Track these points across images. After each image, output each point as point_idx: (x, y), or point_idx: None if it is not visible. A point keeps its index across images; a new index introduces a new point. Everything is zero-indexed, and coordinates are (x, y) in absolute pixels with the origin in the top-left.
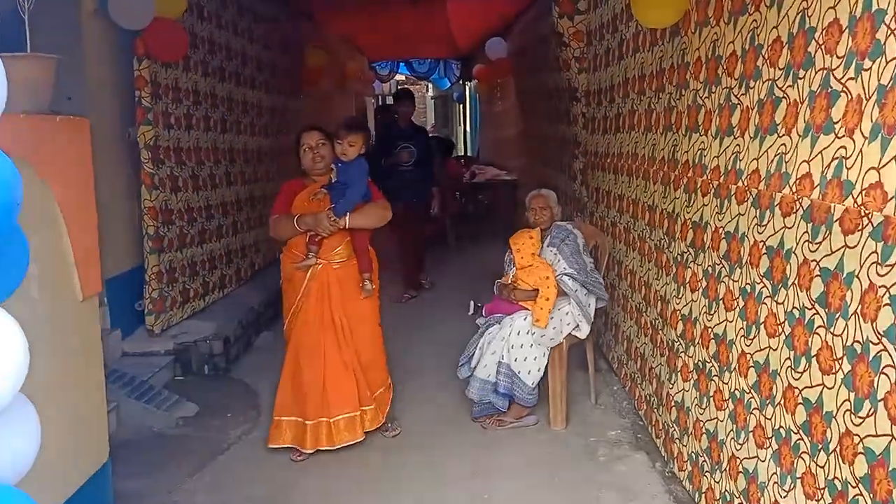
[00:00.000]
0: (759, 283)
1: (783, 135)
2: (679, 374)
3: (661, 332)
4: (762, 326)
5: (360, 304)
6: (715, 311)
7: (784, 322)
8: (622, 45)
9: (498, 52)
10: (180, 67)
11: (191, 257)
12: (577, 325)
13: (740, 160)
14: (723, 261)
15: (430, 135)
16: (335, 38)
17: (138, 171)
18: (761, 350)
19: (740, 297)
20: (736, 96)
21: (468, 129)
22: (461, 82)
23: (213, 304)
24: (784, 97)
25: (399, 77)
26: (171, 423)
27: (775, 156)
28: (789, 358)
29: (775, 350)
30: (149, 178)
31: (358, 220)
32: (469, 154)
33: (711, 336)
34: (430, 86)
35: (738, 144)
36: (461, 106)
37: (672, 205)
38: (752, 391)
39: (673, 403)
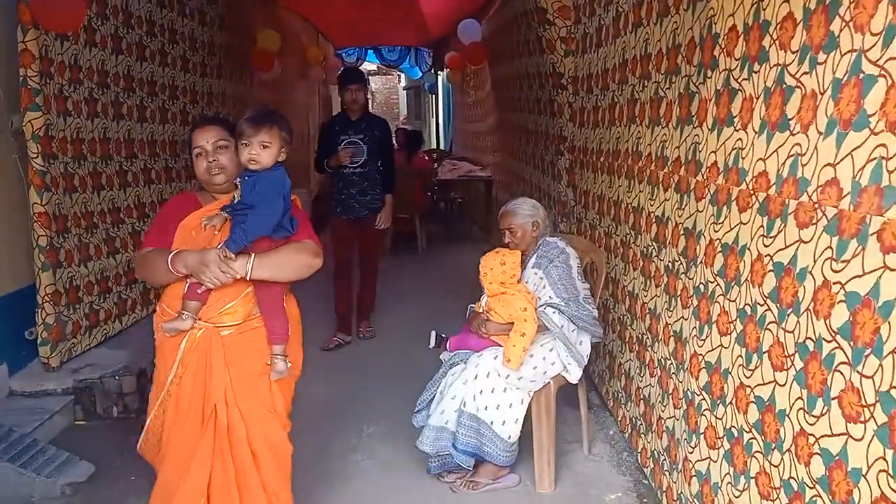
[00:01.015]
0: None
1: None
2: (703, 436)
3: (674, 377)
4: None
5: (261, 393)
6: (757, 368)
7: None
8: (619, 20)
9: (471, 36)
10: (82, 41)
11: (100, 271)
12: (566, 367)
13: (802, 164)
14: (769, 301)
15: (400, 126)
16: (295, 19)
17: (25, 169)
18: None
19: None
20: (794, 77)
21: (440, 121)
22: (433, 71)
23: (133, 326)
24: None
25: (368, 66)
26: (55, 491)
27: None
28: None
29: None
30: (38, 176)
31: (264, 268)
32: (441, 148)
33: (752, 398)
34: (403, 75)
35: (797, 144)
36: (433, 97)
37: (691, 219)
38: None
39: (693, 472)
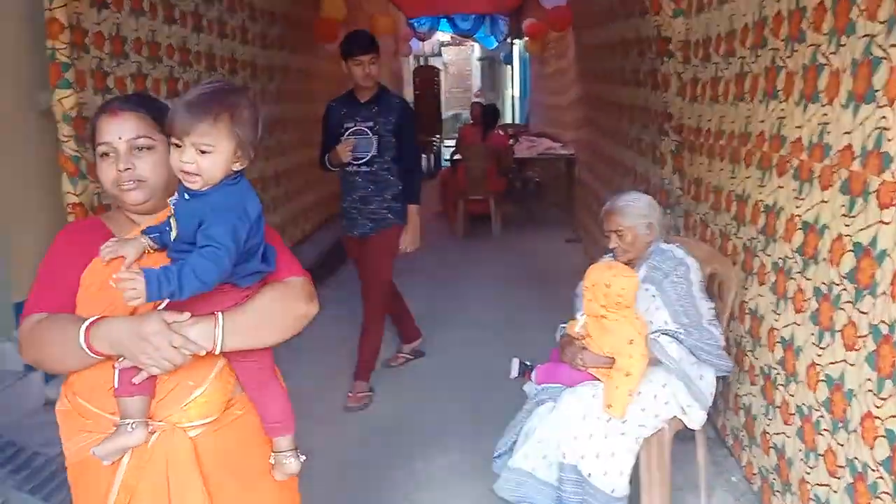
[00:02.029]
0: None
1: None
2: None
3: (834, 437)
4: None
5: None
6: None
7: None
8: None
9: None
10: (126, 10)
11: None
12: (684, 409)
13: None
14: None
15: (474, 100)
16: None
17: (58, 154)
18: None
19: None
20: None
21: (516, 94)
22: (509, 40)
23: None
24: None
25: (441, 36)
26: None
27: None
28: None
29: None
30: (71, 163)
31: (239, 332)
32: (517, 123)
33: None
34: (476, 46)
35: None
36: (509, 67)
37: (849, 224)
38: None
39: None
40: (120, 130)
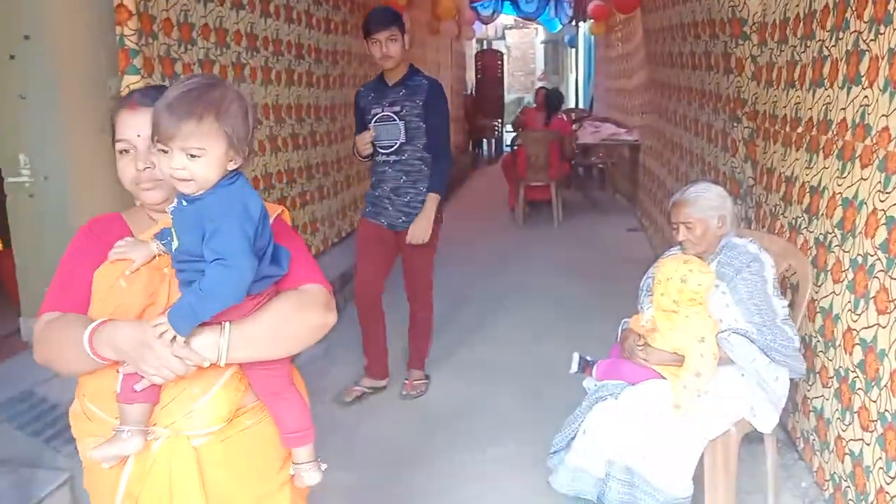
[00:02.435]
0: None
1: None
2: None
3: None
4: None
5: None
6: None
7: None
8: None
9: None
10: None
11: None
12: (753, 410)
13: None
14: None
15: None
16: None
17: None
18: None
19: None
20: None
21: (580, 78)
22: (574, 23)
23: None
24: None
25: (504, 19)
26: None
27: None
28: None
29: None
30: None
31: (248, 345)
32: (580, 107)
33: None
34: (540, 29)
35: None
36: (573, 51)
37: None
38: None
39: None
40: (138, 127)
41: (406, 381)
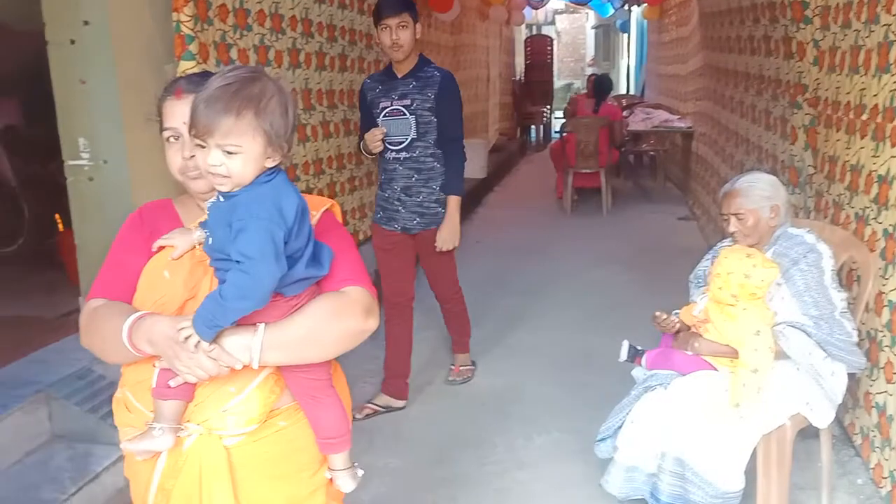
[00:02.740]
0: None
1: None
2: None
3: None
4: None
5: None
6: None
7: None
8: None
9: None
10: None
11: None
12: (809, 404)
13: None
14: None
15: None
16: None
17: None
18: None
19: None
20: None
21: (631, 63)
22: (626, 7)
23: None
24: None
25: (555, 4)
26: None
27: None
28: None
29: None
30: None
31: (282, 348)
32: (631, 93)
33: None
34: (591, 13)
35: None
36: (625, 36)
37: None
38: None
39: None
40: (185, 114)
41: (452, 367)
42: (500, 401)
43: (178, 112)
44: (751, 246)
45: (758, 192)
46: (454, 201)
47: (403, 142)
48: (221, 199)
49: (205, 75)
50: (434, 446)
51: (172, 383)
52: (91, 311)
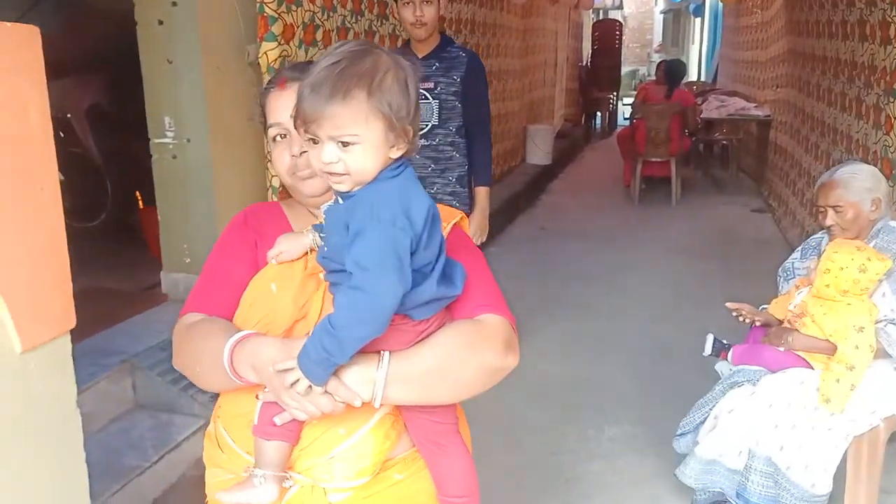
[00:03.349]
0: None
1: None
2: None
3: None
4: None
5: None
6: None
7: None
8: None
9: None
10: None
11: None
12: None
13: None
14: None
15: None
16: None
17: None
18: None
19: None
20: None
21: (703, 49)
22: None
23: None
24: None
25: None
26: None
27: None
28: None
29: None
30: None
31: (409, 384)
32: (702, 80)
33: None
34: None
35: None
36: (698, 21)
37: None
38: None
39: None
40: (290, 107)
41: None
42: (569, 389)
43: (283, 105)
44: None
45: (859, 183)
46: (485, 192)
47: (423, 128)
48: (340, 199)
49: (309, 64)
50: (500, 432)
51: (278, 420)
52: (186, 328)
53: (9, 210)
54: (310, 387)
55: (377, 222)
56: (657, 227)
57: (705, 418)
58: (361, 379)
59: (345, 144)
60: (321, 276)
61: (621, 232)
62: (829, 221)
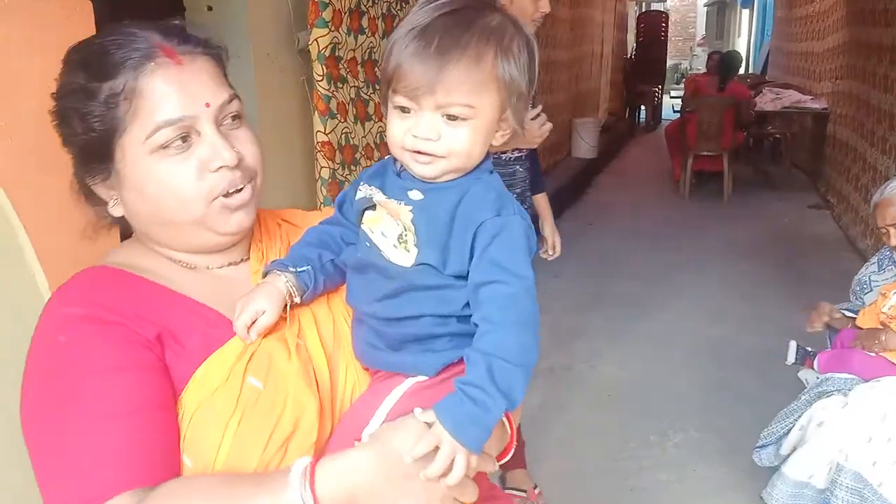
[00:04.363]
0: None
1: None
2: None
3: None
4: None
5: None
6: None
7: None
8: None
9: None
10: None
11: None
12: None
13: None
14: None
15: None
16: None
17: (311, 93)
18: None
19: None
20: None
21: (752, 41)
22: None
23: None
24: None
25: None
26: None
27: None
28: None
29: None
30: (322, 101)
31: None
32: (750, 72)
33: None
34: None
35: None
36: (744, 13)
37: None
38: None
39: None
40: (196, 88)
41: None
42: (627, 392)
43: (183, 88)
44: None
45: None
46: (544, 199)
47: None
48: (416, 195)
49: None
50: (557, 436)
51: None
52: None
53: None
54: (469, 458)
55: (520, 217)
56: (709, 223)
57: (789, 429)
58: (494, 439)
59: (452, 118)
60: (302, 343)
61: (672, 228)
62: (893, 242)
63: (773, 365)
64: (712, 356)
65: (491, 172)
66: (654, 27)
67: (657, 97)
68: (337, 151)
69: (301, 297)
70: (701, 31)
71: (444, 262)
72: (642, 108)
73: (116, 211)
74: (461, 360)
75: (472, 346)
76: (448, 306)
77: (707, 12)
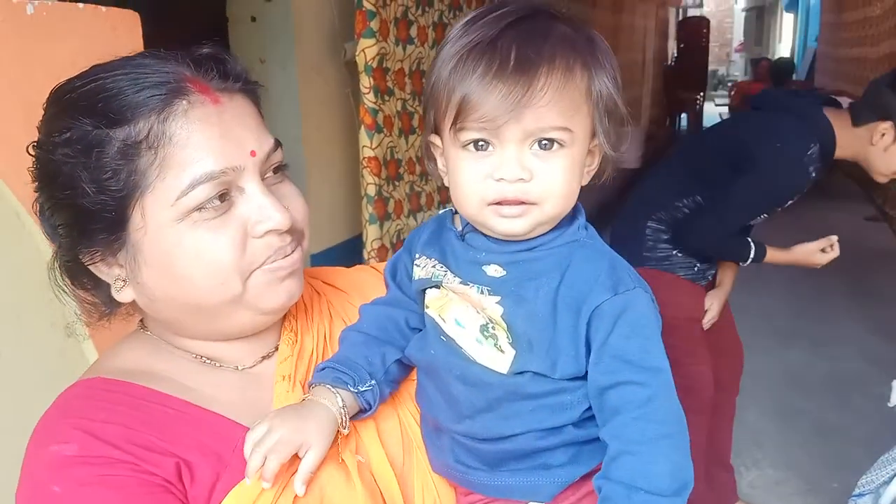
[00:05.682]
0: None
1: None
2: None
3: None
4: None
5: None
6: None
7: None
8: None
9: None
10: None
11: None
12: None
13: None
14: None
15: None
16: None
17: (357, 106)
18: None
19: None
20: None
21: (797, 46)
22: None
23: None
24: None
25: None
26: None
27: None
28: None
29: None
30: (369, 115)
31: None
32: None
33: None
34: None
35: None
36: (787, 17)
37: None
38: None
39: None
40: (237, 135)
41: None
42: None
43: (222, 134)
44: None
45: None
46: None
47: None
48: (496, 270)
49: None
50: None
51: None
52: None
53: None
54: None
55: (640, 290)
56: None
57: (892, 478)
58: None
59: (546, 147)
60: (353, 459)
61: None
62: None
63: (855, 392)
64: (784, 382)
65: (586, 227)
66: (696, 33)
67: (699, 104)
68: (383, 167)
69: (363, 409)
70: (738, 36)
71: (552, 365)
72: (683, 115)
73: (123, 296)
74: (583, 479)
75: (606, 474)
76: (563, 415)
77: (745, 17)
